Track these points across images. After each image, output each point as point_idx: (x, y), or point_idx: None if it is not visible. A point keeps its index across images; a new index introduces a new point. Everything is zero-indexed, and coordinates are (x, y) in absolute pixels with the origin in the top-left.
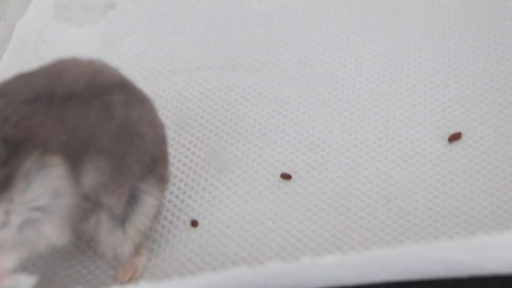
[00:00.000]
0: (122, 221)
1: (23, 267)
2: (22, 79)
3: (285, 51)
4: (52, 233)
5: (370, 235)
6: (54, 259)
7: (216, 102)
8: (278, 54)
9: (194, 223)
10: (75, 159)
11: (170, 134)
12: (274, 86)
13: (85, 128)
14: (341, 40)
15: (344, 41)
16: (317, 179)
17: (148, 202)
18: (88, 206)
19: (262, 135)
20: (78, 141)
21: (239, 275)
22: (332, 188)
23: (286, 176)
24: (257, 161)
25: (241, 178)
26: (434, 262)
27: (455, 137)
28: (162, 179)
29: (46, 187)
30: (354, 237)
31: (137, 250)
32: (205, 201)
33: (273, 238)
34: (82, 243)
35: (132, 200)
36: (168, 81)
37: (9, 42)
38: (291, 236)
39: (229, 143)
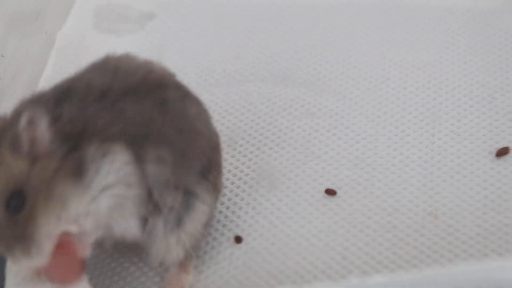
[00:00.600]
0: (176, 224)
1: None
2: (75, 78)
3: (326, 64)
4: (123, 220)
5: (417, 253)
6: (98, 276)
7: (258, 115)
8: (319, 67)
9: (238, 240)
10: (136, 146)
11: None
12: (317, 100)
13: (143, 119)
14: (384, 52)
15: (387, 53)
16: (363, 195)
17: (201, 208)
18: (149, 206)
19: (306, 150)
20: (137, 129)
21: None
22: (378, 205)
23: (331, 192)
24: (300, 176)
25: (285, 194)
26: (484, 281)
27: (502, 152)
28: (215, 187)
29: (115, 172)
30: (401, 255)
31: (184, 267)
32: (249, 217)
33: (318, 256)
34: (125, 259)
35: (186, 204)
36: (209, 94)
37: (50, 54)
38: (337, 254)
39: (272, 157)
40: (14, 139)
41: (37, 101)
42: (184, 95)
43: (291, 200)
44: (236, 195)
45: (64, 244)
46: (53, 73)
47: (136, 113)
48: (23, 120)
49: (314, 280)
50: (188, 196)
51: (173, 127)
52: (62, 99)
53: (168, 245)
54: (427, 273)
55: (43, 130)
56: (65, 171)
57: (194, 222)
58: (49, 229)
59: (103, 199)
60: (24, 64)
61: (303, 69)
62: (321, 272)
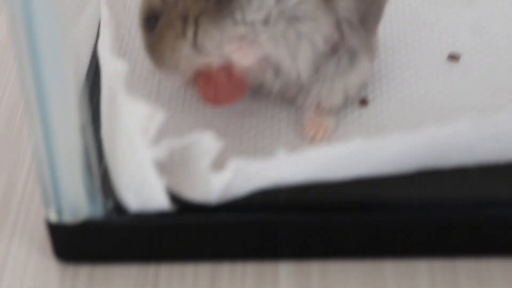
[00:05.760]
0: (344, 70)
1: None
2: None
3: None
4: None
5: None
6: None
7: None
8: None
9: (364, 102)
10: None
11: None
12: None
13: None
14: None
15: None
16: (487, 62)
17: (364, 63)
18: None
19: (424, 15)
20: None
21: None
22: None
23: (454, 57)
24: (424, 39)
25: (410, 56)
26: None
27: None
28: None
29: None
30: None
31: (327, 112)
32: (371, 81)
33: (453, 118)
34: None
35: (353, 54)
36: None
37: None
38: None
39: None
40: None
41: None
42: None
43: (413, 64)
44: None
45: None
46: None
47: None
48: None
49: None
50: (353, 49)
51: None
52: None
53: (333, 90)
54: None
55: None
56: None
57: (359, 73)
58: (176, 53)
59: (262, 34)
60: None
61: None
62: None
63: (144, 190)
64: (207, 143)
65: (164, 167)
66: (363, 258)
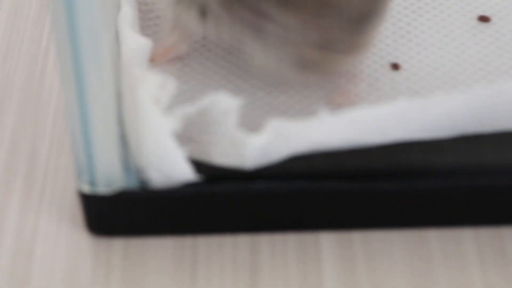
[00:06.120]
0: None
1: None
2: None
3: None
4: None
5: None
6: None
7: None
8: None
9: (395, 66)
10: None
11: None
12: None
13: None
14: None
15: None
16: None
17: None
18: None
19: None
20: None
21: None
22: None
23: (484, 19)
24: (452, 1)
25: (434, 22)
26: None
27: None
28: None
29: None
30: None
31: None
32: (400, 45)
33: (491, 79)
34: None
35: None
36: None
37: None
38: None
39: None
40: None
41: None
42: None
43: (442, 27)
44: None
45: None
46: None
47: None
48: None
49: None
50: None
51: None
52: None
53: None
54: None
55: None
56: None
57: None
58: None
59: None
60: None
61: None
62: None
63: (164, 164)
64: (224, 102)
65: (187, 136)
66: (406, 227)
